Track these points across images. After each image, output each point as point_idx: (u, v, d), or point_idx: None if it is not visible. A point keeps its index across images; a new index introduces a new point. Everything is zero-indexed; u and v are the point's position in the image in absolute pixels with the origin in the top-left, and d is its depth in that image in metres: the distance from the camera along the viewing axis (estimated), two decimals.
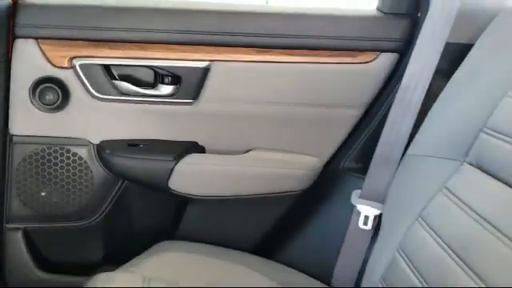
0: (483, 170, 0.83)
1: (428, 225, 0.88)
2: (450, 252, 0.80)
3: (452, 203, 0.85)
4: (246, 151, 1.23)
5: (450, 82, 1.00)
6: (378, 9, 1.20)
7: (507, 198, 0.75)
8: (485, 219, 0.76)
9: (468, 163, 0.87)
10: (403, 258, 0.91)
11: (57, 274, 1.28)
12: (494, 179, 0.80)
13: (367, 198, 1.10)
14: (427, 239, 0.86)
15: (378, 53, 1.16)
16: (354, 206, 1.11)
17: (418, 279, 0.84)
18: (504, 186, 0.77)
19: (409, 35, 1.13)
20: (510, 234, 0.71)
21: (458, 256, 0.78)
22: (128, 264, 1.07)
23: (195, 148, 1.22)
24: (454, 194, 0.85)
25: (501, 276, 0.70)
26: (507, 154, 0.78)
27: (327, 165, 1.25)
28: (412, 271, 0.87)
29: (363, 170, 1.13)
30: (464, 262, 0.76)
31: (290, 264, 1.21)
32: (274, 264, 1.20)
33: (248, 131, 1.22)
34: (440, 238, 0.84)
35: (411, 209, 0.94)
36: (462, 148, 0.89)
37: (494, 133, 0.83)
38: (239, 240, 1.28)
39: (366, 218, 1.10)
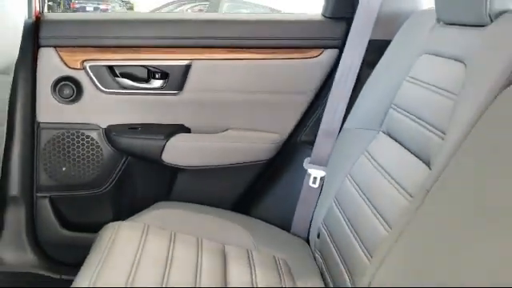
0: (390, 136, 1.01)
1: (353, 179, 1.06)
2: (364, 197, 0.98)
3: (368, 162, 1.03)
4: (223, 130, 1.39)
5: (373, 71, 1.18)
6: (322, 14, 1.39)
7: (403, 156, 0.93)
8: (387, 173, 0.94)
9: (382, 132, 1.06)
10: (337, 206, 1.09)
11: (76, 232, 1.42)
12: (396, 143, 0.98)
13: (315, 163, 1.28)
14: (352, 190, 1.05)
15: (322, 49, 1.34)
16: (306, 170, 1.29)
17: (345, 220, 1.03)
18: (402, 148, 0.95)
19: (346, 35, 1.28)
20: (403, 183, 0.87)
21: (368, 199, 0.97)
22: (132, 217, 1.22)
23: (182, 129, 1.38)
24: (370, 155, 1.04)
25: (394, 214, 0.84)
26: (404, 123, 0.96)
27: (287, 139, 1.41)
28: (341, 215, 1.05)
29: (314, 142, 1.29)
30: (372, 204, 0.94)
31: (259, 217, 1.35)
32: (247, 217, 1.35)
33: (224, 114, 1.38)
34: (358, 187, 1.02)
35: (343, 169, 1.12)
36: (378, 120, 1.07)
37: (397, 108, 1.01)
38: (220, 199, 1.41)
39: (315, 178, 1.27)
